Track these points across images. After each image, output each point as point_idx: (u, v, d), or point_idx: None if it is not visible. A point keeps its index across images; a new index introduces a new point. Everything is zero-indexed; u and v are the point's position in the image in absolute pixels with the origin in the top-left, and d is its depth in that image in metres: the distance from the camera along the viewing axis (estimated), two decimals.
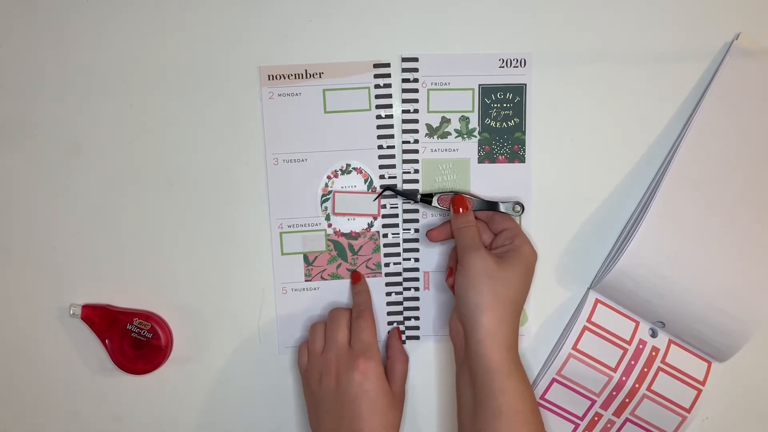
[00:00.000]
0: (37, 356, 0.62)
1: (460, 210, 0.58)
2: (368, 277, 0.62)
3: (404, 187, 0.61)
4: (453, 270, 0.58)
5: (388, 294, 0.63)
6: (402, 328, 0.63)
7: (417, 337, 0.63)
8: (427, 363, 0.63)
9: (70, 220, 0.61)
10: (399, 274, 0.63)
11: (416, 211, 0.62)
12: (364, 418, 0.54)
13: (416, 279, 0.63)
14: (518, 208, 0.60)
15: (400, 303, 0.63)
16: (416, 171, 0.61)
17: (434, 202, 0.60)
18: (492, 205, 0.60)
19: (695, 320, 0.59)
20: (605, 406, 0.61)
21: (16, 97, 0.60)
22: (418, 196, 0.61)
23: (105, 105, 0.60)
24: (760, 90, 0.59)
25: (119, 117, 0.60)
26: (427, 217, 0.62)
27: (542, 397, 0.62)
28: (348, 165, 0.61)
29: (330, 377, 0.56)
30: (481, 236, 0.58)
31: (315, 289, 0.63)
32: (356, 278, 0.62)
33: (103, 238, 0.61)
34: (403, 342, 0.63)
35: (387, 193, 0.61)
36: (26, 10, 0.60)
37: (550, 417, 0.62)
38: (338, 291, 0.63)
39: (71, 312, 0.60)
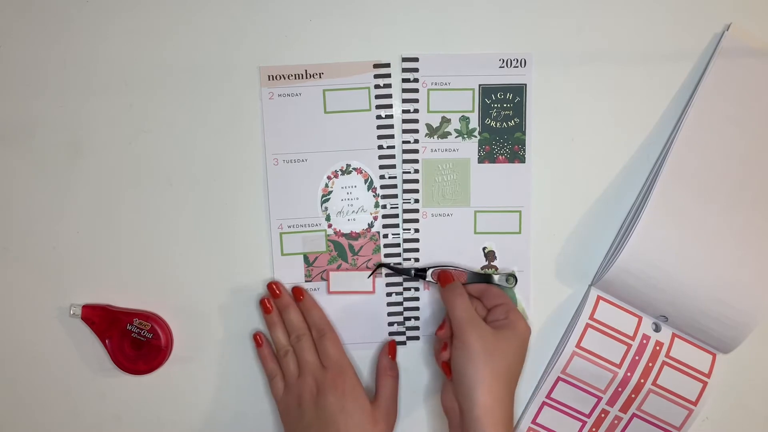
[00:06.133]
0: (37, 356, 0.62)
1: (447, 282, 0.57)
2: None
3: (404, 187, 0.61)
4: (447, 345, 0.56)
5: (389, 294, 0.63)
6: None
7: (417, 338, 0.63)
8: (427, 363, 0.63)
9: (70, 220, 0.61)
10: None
11: (416, 211, 0.62)
12: None
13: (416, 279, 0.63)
14: (512, 280, 0.59)
15: (400, 303, 0.63)
16: (416, 171, 0.61)
17: (428, 277, 0.60)
18: (485, 278, 0.60)
19: (697, 313, 0.59)
20: (611, 402, 0.61)
21: (16, 97, 0.60)
22: (412, 272, 0.61)
23: (105, 105, 0.60)
24: (752, 79, 0.59)
25: (119, 117, 0.60)
26: (428, 217, 0.62)
27: (548, 396, 0.62)
28: (348, 165, 0.61)
29: (309, 399, 0.57)
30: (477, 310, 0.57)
31: (315, 289, 0.62)
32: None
33: (103, 238, 0.61)
34: (402, 341, 0.63)
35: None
36: (26, 10, 0.60)
37: (556, 416, 0.62)
38: None
39: (71, 312, 0.60)
